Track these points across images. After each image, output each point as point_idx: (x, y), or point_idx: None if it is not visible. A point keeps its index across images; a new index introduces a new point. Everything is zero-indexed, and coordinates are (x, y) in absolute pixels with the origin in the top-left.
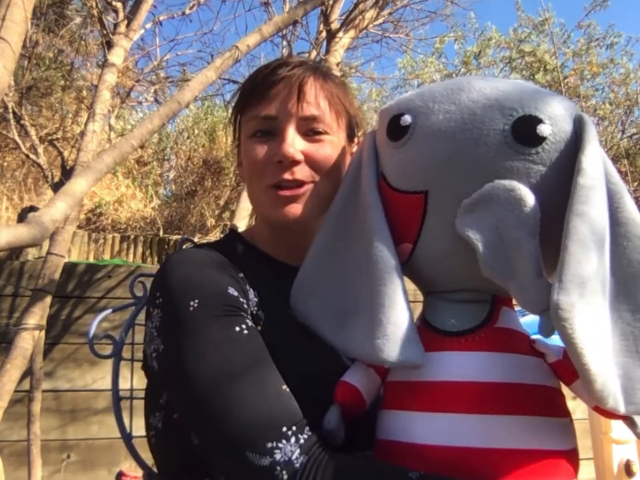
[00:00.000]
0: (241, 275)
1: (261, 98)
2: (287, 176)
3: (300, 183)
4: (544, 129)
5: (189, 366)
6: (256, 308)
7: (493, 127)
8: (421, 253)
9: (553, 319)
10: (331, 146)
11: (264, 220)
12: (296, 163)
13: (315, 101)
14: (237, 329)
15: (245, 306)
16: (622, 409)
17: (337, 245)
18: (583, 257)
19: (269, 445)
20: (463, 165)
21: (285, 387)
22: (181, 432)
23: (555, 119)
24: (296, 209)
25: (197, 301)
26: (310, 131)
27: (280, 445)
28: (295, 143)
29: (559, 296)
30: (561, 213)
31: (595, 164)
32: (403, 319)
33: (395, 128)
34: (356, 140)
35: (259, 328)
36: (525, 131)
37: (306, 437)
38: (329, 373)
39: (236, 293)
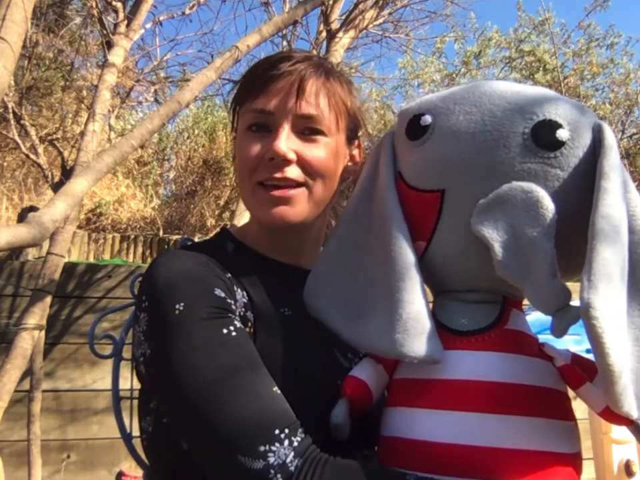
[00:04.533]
0: (229, 275)
1: (259, 92)
2: (278, 174)
3: (290, 183)
4: (563, 134)
5: (177, 370)
6: (244, 309)
7: (512, 130)
8: (435, 251)
9: (582, 317)
10: (326, 148)
11: (254, 218)
12: (288, 162)
13: (315, 100)
14: (225, 331)
15: (233, 307)
16: (635, 414)
17: (354, 241)
18: (611, 257)
19: (262, 448)
20: (482, 166)
21: (276, 388)
22: (171, 436)
23: (574, 125)
24: (285, 211)
25: (182, 304)
26: (306, 129)
27: (273, 448)
28: (288, 142)
29: (590, 295)
30: (576, 216)
31: (617, 169)
32: (422, 314)
33: (414, 127)
34: (356, 142)
35: (248, 329)
36: (545, 134)
37: (299, 439)
38: (326, 373)
39: (223, 294)
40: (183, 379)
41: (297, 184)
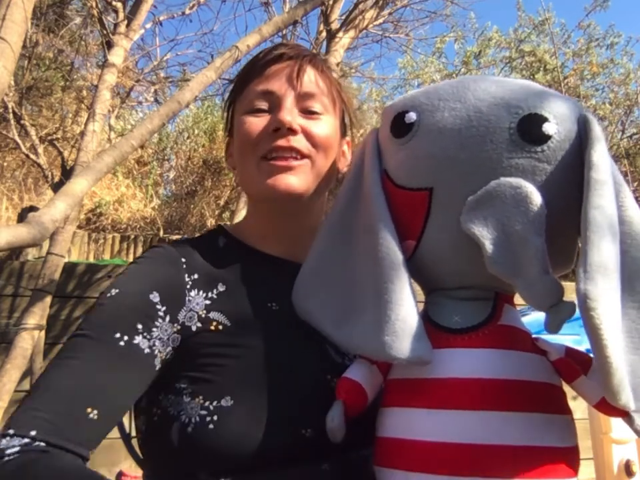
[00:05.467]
0: (196, 276)
1: (259, 75)
2: (283, 142)
3: (295, 153)
4: (549, 128)
5: (69, 337)
6: (205, 311)
7: (499, 125)
8: (425, 250)
9: (580, 309)
10: (327, 124)
11: (254, 199)
12: (293, 131)
13: (315, 80)
14: (117, 335)
15: (161, 313)
16: (632, 406)
17: (341, 242)
18: (605, 247)
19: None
20: (469, 162)
21: (90, 410)
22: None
23: (560, 118)
24: (289, 179)
25: (116, 291)
26: (307, 109)
27: (8, 437)
28: (292, 115)
29: (587, 286)
30: (566, 210)
31: (605, 160)
32: (411, 315)
33: (399, 125)
34: (347, 138)
35: (212, 327)
36: (531, 128)
37: (42, 444)
38: (316, 367)
39: (157, 299)
40: (66, 341)
41: (301, 155)
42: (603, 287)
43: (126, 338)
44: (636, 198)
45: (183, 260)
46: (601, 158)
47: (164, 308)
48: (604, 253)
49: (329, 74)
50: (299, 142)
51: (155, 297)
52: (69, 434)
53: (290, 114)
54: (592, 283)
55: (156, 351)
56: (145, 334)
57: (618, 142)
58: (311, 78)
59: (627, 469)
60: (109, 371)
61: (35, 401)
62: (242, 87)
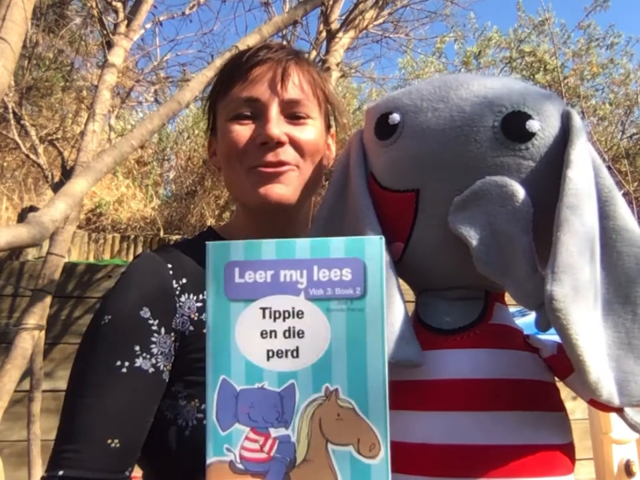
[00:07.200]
0: (184, 280)
1: (243, 79)
2: (271, 157)
3: (284, 164)
4: (533, 125)
5: (71, 372)
6: (198, 314)
7: (482, 124)
8: (413, 251)
9: (547, 310)
10: (314, 130)
11: (243, 205)
12: (280, 144)
13: (299, 84)
14: (118, 363)
15: (155, 327)
16: (616, 401)
17: None
18: (575, 248)
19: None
20: (454, 162)
21: (110, 440)
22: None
23: (544, 115)
24: (278, 188)
25: (109, 317)
26: (292, 114)
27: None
28: (279, 125)
29: (552, 287)
30: (552, 208)
31: (583, 157)
32: (399, 317)
33: (383, 127)
34: (332, 131)
35: (204, 330)
36: (515, 126)
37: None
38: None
39: (148, 314)
40: (69, 382)
41: (290, 165)
42: (570, 288)
43: (127, 364)
44: (636, 198)
45: (169, 266)
46: (578, 155)
47: (156, 321)
48: (574, 254)
49: (313, 72)
50: (287, 154)
51: (145, 312)
52: (92, 465)
53: (277, 126)
54: (558, 284)
55: (161, 367)
56: (144, 354)
57: (618, 142)
58: (295, 82)
59: (627, 469)
60: (120, 400)
61: (62, 442)
62: (225, 90)
